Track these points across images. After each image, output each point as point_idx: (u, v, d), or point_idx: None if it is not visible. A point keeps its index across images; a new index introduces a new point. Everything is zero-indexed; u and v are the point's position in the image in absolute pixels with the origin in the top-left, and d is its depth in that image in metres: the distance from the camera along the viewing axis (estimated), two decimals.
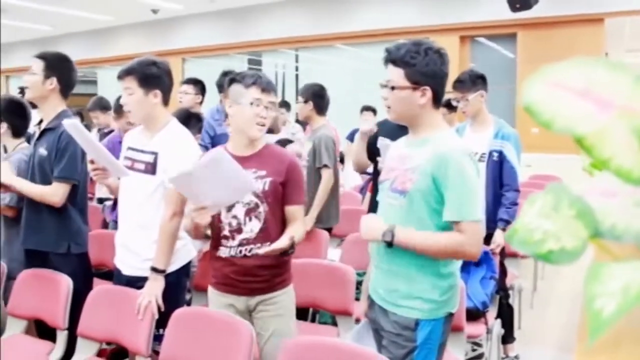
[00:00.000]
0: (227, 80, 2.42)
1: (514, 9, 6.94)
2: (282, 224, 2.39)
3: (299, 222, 2.41)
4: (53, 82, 2.87)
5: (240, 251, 2.33)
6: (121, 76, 2.61)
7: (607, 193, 0.52)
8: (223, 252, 2.36)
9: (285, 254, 2.30)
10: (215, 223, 2.35)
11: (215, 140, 4.23)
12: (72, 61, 3.00)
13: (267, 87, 2.34)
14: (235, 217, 2.33)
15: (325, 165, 3.96)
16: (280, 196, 2.36)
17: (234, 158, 2.35)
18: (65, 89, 2.94)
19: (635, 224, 0.49)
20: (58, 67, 2.90)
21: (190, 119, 3.60)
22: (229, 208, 2.33)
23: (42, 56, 2.92)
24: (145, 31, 12.96)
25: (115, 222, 3.21)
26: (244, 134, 2.35)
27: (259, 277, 2.35)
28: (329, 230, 4.09)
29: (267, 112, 2.34)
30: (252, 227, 2.32)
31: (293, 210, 2.40)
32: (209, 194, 2.15)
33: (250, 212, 2.33)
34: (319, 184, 4.01)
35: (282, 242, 2.22)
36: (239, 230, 2.33)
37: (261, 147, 2.40)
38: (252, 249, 2.32)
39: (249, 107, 2.30)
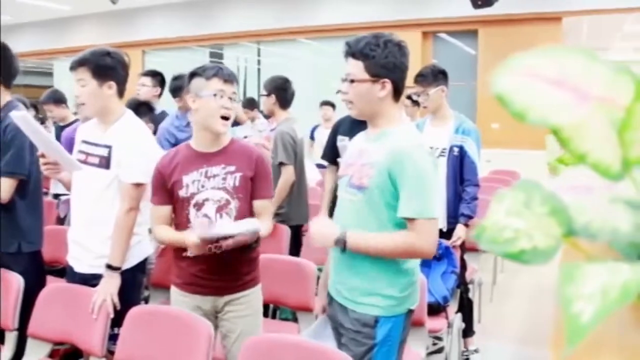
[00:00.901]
0: (188, 75, 2.35)
1: (475, 5, 7.01)
2: None
3: (268, 216, 2.37)
4: None
5: (210, 249, 2.25)
6: (73, 67, 2.51)
7: (581, 189, 0.49)
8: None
9: (249, 248, 2.25)
10: (184, 223, 2.28)
11: None
12: (9, 48, 2.83)
13: (229, 78, 2.29)
14: (205, 215, 2.26)
15: (282, 163, 3.84)
16: (250, 191, 2.31)
17: (200, 155, 2.30)
18: (7, 78, 2.79)
19: (610, 221, 0.46)
20: None
21: (139, 108, 3.50)
22: (199, 207, 2.26)
23: None
24: (104, 22, 12.65)
25: None
26: (208, 129, 2.28)
27: (227, 275, 2.30)
28: (299, 227, 4.03)
29: (231, 103, 2.29)
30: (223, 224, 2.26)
31: (261, 205, 2.35)
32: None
33: (221, 209, 2.27)
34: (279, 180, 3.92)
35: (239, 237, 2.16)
36: None
37: (227, 142, 2.35)
38: (221, 246, 2.26)
39: (213, 99, 2.24)
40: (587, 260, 0.44)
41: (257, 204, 2.34)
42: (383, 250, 1.93)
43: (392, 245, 1.92)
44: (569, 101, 0.42)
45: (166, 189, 2.30)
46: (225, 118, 2.27)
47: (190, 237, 2.13)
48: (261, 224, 2.23)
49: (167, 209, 2.33)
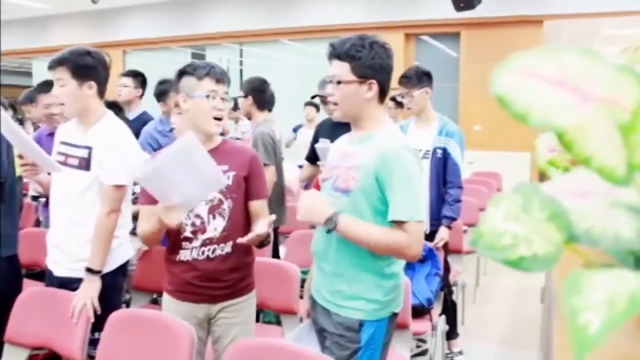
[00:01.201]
0: (177, 72, 2.28)
1: (458, 8, 7.03)
2: (246, 221, 2.26)
3: (266, 215, 2.30)
4: None
5: (203, 252, 2.20)
6: (52, 66, 2.44)
7: (580, 193, 0.48)
8: (184, 255, 2.22)
9: (262, 245, 2.20)
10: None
11: None
12: None
13: (221, 77, 2.22)
14: (198, 216, 2.20)
15: (263, 164, 3.81)
16: (244, 191, 2.25)
17: None
18: None
19: (612, 227, 0.45)
20: None
21: (109, 109, 3.44)
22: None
23: None
24: (85, 21, 12.51)
25: (48, 218, 3.04)
26: (199, 130, 2.20)
27: (222, 282, 2.24)
28: (276, 229, 4.00)
29: (224, 103, 2.23)
30: (216, 226, 2.21)
31: (258, 205, 2.29)
32: (178, 189, 1.99)
33: (213, 209, 2.20)
34: None
35: (262, 228, 2.09)
36: (202, 229, 2.20)
37: (219, 142, 2.29)
38: (215, 249, 2.21)
39: (205, 101, 2.17)
40: (588, 268, 0.43)
41: (255, 204, 2.28)
42: (374, 243, 1.89)
43: (383, 240, 1.88)
44: (572, 102, 0.41)
45: None
46: (217, 119, 2.22)
47: (157, 207, 2.04)
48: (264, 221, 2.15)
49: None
